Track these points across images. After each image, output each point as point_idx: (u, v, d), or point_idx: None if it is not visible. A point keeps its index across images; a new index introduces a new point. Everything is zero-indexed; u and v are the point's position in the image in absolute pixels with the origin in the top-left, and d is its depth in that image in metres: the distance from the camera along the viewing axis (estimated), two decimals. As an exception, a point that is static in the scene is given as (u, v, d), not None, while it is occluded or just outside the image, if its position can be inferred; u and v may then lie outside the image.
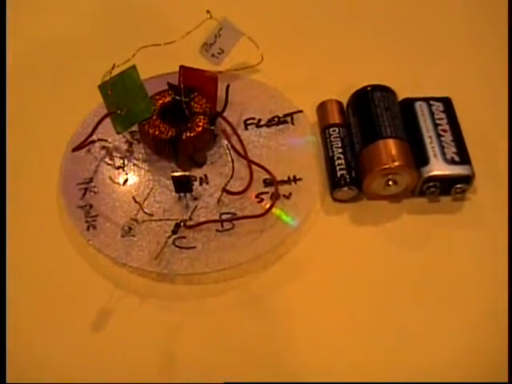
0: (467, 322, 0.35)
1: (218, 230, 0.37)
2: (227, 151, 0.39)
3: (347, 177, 0.38)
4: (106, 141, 0.40)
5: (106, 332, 0.35)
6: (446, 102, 0.40)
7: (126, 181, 0.39)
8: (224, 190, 0.37)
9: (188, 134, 0.38)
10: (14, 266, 0.37)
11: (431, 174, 0.37)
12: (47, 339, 0.35)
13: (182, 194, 0.38)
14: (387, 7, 0.48)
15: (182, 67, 0.40)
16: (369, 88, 0.40)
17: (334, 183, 0.38)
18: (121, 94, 0.38)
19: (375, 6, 0.49)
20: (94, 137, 0.39)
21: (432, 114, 0.39)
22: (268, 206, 0.37)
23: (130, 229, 0.36)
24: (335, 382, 0.33)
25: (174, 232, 0.36)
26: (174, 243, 0.36)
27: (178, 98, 0.39)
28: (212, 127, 0.39)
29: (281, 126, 0.41)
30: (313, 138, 0.41)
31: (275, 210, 0.37)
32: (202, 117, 0.39)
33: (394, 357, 0.34)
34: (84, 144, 0.39)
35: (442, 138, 0.38)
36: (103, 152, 0.40)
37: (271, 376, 0.34)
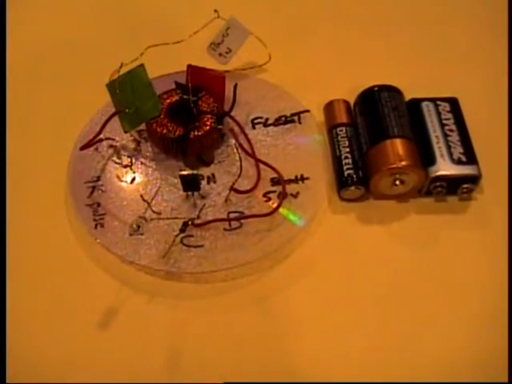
0: (472, 322, 0.35)
1: (225, 229, 0.37)
2: (235, 150, 0.39)
3: (354, 176, 0.38)
4: (113, 139, 0.40)
5: (113, 330, 0.35)
6: (453, 102, 0.40)
7: (133, 179, 0.39)
8: (232, 188, 0.38)
9: (196, 133, 0.38)
10: (21, 263, 0.37)
11: (438, 173, 0.37)
12: (54, 337, 0.35)
13: (189, 193, 0.38)
14: (394, 8, 0.49)
15: (189, 66, 0.40)
16: (376, 88, 0.40)
17: (342, 182, 0.38)
18: (129, 93, 0.38)
19: (383, 6, 0.49)
20: (102, 135, 0.39)
21: (439, 114, 0.39)
22: (275, 205, 0.37)
23: (139, 227, 0.37)
24: (337, 382, 0.34)
25: (182, 231, 0.36)
26: (181, 242, 0.36)
27: (185, 97, 0.39)
28: (219, 126, 0.39)
29: (288, 126, 0.41)
30: (319, 138, 0.41)
31: (282, 210, 0.37)
32: (209, 116, 0.39)
33: (399, 355, 0.34)
34: (92, 142, 0.39)
35: (449, 138, 0.38)
36: (111, 151, 0.40)
37: (277, 375, 0.34)
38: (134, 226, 0.37)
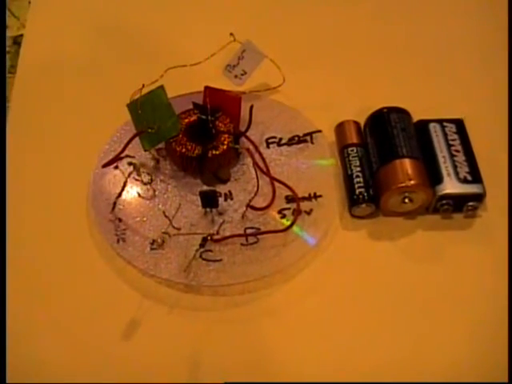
0: (475, 331, 0.37)
1: (242, 244, 0.38)
2: (250, 169, 0.41)
3: (365, 194, 0.39)
4: (133, 157, 0.41)
5: (135, 340, 0.36)
6: (459, 124, 0.41)
7: (153, 196, 0.40)
8: (248, 205, 0.39)
9: (213, 152, 0.40)
10: (45, 277, 0.39)
11: (445, 192, 0.39)
12: (78, 348, 0.37)
13: (207, 209, 0.39)
14: (403, 32, 0.50)
15: (206, 88, 0.41)
16: (385, 110, 0.41)
17: (353, 200, 0.40)
18: (149, 113, 0.39)
19: (391, 31, 0.50)
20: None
21: (445, 134, 0.41)
22: (290, 221, 0.39)
23: (163, 242, 0.38)
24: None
25: (202, 245, 0.38)
26: (201, 256, 0.38)
27: (203, 117, 0.41)
28: (236, 145, 0.41)
29: (301, 145, 0.42)
30: (331, 161, 0.42)
31: (295, 228, 0.39)
32: (226, 135, 0.40)
33: (409, 364, 0.36)
34: (114, 160, 0.40)
35: (455, 158, 0.40)
36: (130, 168, 0.41)
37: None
38: (159, 240, 0.38)
